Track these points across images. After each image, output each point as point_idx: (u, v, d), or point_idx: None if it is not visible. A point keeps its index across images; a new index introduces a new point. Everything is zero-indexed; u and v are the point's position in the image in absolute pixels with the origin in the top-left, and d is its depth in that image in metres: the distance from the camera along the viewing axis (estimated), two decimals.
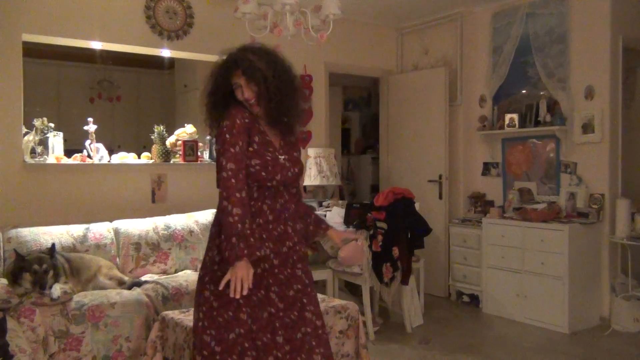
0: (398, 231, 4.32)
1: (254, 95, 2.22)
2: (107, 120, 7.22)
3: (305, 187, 5.40)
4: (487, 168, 5.52)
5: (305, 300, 2.25)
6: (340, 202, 5.22)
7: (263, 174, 2.19)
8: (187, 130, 4.78)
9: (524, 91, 5.19)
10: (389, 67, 6.19)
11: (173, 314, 3.03)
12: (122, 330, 3.29)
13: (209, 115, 2.31)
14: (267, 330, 2.16)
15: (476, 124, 5.49)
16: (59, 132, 4.24)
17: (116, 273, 3.71)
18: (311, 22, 3.80)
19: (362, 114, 8.24)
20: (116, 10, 4.42)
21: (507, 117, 5.11)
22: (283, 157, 2.27)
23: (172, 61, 6.53)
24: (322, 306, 3.17)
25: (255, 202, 2.22)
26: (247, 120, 2.22)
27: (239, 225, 2.04)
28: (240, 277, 2.03)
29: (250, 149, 2.21)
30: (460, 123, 5.63)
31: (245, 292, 2.05)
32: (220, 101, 2.28)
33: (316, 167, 5.22)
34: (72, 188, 4.22)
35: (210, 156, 4.81)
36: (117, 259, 3.93)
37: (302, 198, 2.48)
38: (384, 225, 4.29)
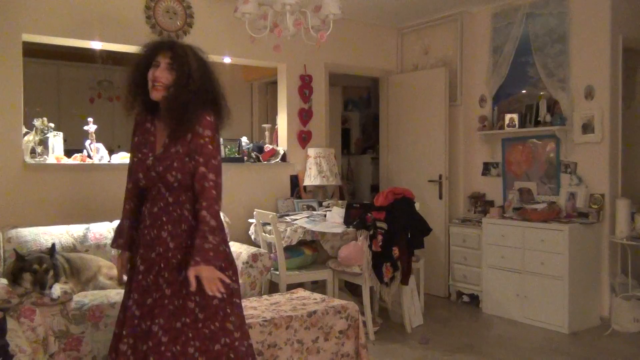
0: (398, 231, 4.31)
1: (168, 79, 2.17)
2: (107, 120, 7.21)
3: (305, 187, 5.40)
4: (487, 168, 5.52)
5: (156, 312, 2.12)
6: (340, 202, 5.22)
7: (132, 175, 2.30)
8: None
9: (524, 91, 5.19)
10: (389, 67, 6.19)
11: None
12: None
13: (127, 89, 2.28)
14: (119, 337, 2.21)
15: (476, 124, 5.49)
16: (59, 132, 4.24)
17: (116, 273, 3.70)
18: (311, 22, 3.80)
19: (362, 114, 8.24)
20: (116, 10, 4.42)
21: (507, 117, 5.11)
22: (153, 157, 2.20)
23: None
24: (322, 306, 3.19)
25: (144, 208, 2.26)
26: (138, 118, 2.30)
27: (121, 219, 2.40)
28: (118, 265, 2.44)
29: (131, 150, 2.32)
30: (460, 123, 5.63)
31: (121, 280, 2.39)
32: (139, 78, 2.23)
33: (316, 167, 5.22)
34: (72, 188, 4.22)
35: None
36: (117, 262, 3.92)
37: (203, 203, 2.13)
38: (384, 225, 4.29)
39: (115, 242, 2.38)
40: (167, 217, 2.17)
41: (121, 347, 2.16)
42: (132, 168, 2.29)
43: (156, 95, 2.19)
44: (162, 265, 2.15)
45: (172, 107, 2.17)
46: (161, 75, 2.17)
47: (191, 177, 2.17)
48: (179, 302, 2.12)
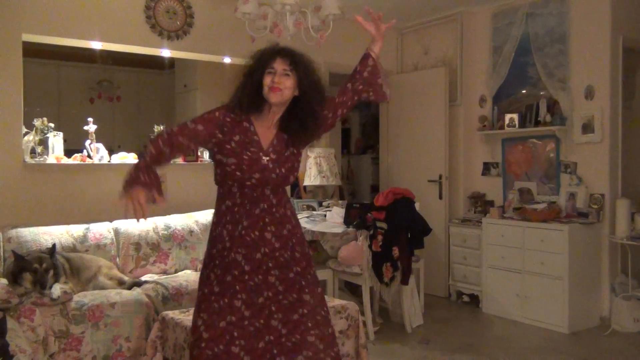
0: (398, 231, 4.32)
1: (288, 85, 2.20)
2: (107, 120, 7.21)
3: (305, 187, 5.40)
4: (487, 168, 5.52)
5: (273, 308, 2.17)
6: (340, 202, 5.22)
7: (238, 173, 2.18)
8: None
9: (524, 91, 5.19)
10: (389, 67, 6.18)
11: (173, 314, 3.03)
12: (122, 330, 3.30)
13: (237, 93, 2.26)
14: (221, 340, 2.13)
15: (476, 124, 5.49)
16: (59, 132, 4.24)
17: (116, 273, 3.71)
18: (311, 22, 3.81)
19: (362, 114, 8.24)
20: (116, 10, 4.42)
21: (507, 117, 5.11)
22: (267, 157, 2.21)
23: (172, 61, 6.53)
24: None
25: (239, 208, 2.20)
26: (228, 119, 2.23)
27: (142, 159, 2.23)
28: (131, 198, 2.09)
29: (228, 146, 2.22)
30: (460, 123, 5.63)
31: (141, 217, 2.10)
32: (249, 86, 2.22)
33: (316, 167, 5.22)
34: (72, 188, 4.22)
35: (210, 156, 4.82)
36: (117, 259, 3.93)
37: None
38: (384, 225, 4.29)
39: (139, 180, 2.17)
40: (270, 218, 2.20)
41: (233, 349, 2.13)
42: (243, 166, 2.19)
43: (275, 97, 2.19)
44: (270, 264, 2.18)
45: (298, 114, 2.24)
46: (281, 81, 2.19)
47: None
48: (293, 297, 2.20)
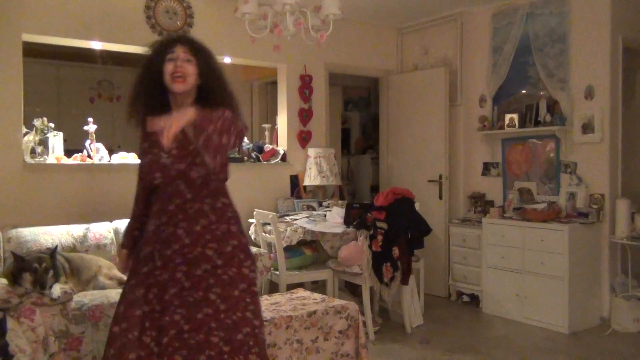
0: (398, 231, 4.32)
1: (191, 71, 2.19)
2: (107, 120, 7.20)
3: (305, 187, 5.40)
4: (487, 168, 5.52)
5: (176, 303, 2.14)
6: (340, 202, 5.22)
7: (142, 174, 2.26)
8: None
9: (524, 91, 5.19)
10: (389, 67, 6.19)
11: None
12: None
13: (136, 88, 2.28)
14: (135, 328, 2.16)
15: (476, 124, 5.49)
16: (59, 132, 4.24)
17: (116, 273, 3.70)
18: (311, 22, 3.81)
19: (362, 114, 8.24)
20: (116, 10, 4.42)
21: (507, 117, 5.11)
22: (167, 155, 2.17)
23: None
24: (322, 306, 3.19)
25: (154, 205, 2.22)
26: (144, 125, 2.28)
27: (130, 222, 2.39)
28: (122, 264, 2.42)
29: (141, 152, 2.31)
30: (460, 123, 5.63)
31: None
32: (149, 78, 2.24)
33: (316, 167, 5.22)
34: (72, 188, 4.22)
35: None
36: (117, 259, 3.93)
37: (218, 197, 2.19)
38: (384, 225, 4.29)
39: (124, 244, 2.41)
40: (183, 215, 2.15)
41: (144, 339, 2.16)
42: (144, 170, 2.25)
43: (178, 87, 2.18)
44: (177, 261, 2.14)
45: (202, 98, 2.20)
46: (183, 66, 2.18)
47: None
48: (198, 295, 2.13)
